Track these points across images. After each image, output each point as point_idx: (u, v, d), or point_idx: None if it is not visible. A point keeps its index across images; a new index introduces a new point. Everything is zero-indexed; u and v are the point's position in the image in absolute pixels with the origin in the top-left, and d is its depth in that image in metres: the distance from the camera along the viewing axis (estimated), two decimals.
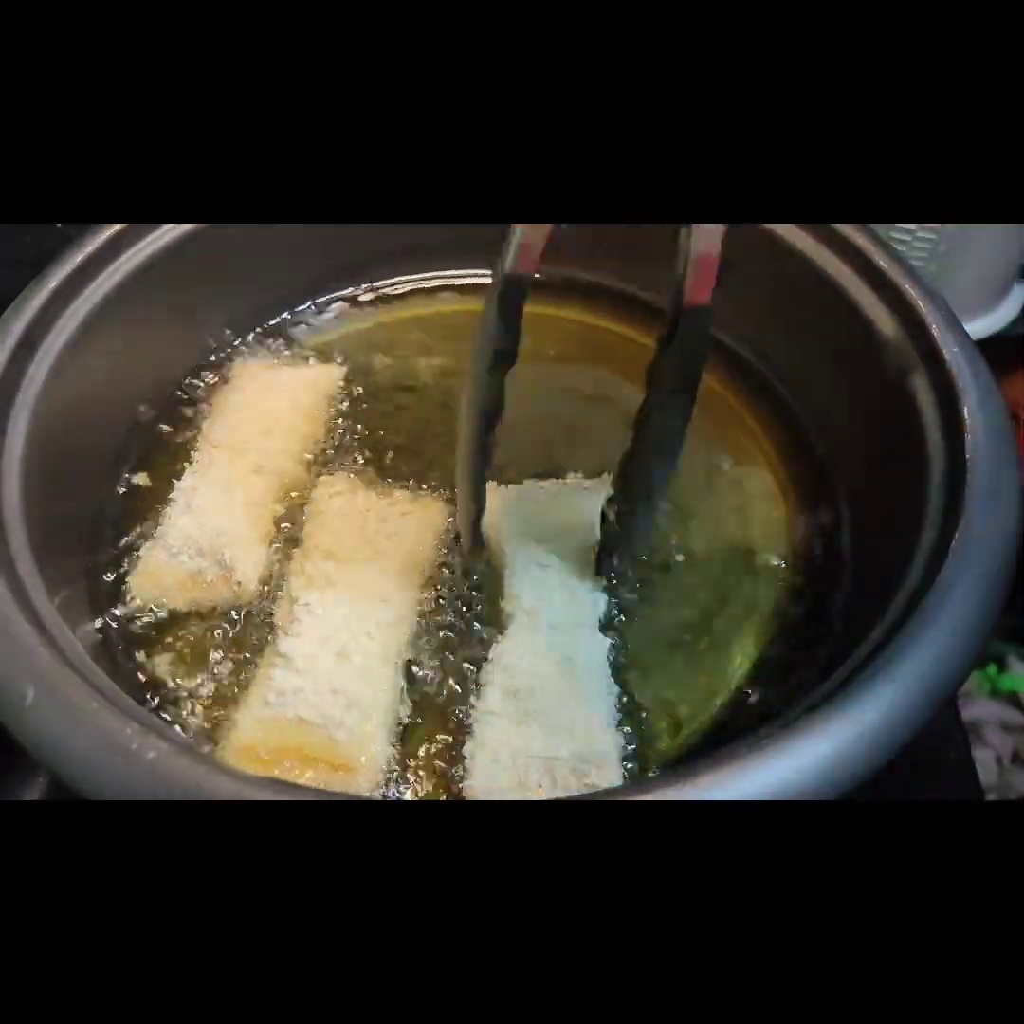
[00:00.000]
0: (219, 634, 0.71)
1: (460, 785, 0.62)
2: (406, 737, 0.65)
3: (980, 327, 1.05)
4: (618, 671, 0.68)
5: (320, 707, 0.64)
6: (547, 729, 0.62)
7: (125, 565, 0.74)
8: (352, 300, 0.94)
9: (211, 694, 0.68)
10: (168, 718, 0.66)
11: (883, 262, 0.74)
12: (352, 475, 0.80)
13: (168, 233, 0.81)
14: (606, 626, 0.70)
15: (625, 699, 0.66)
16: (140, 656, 0.70)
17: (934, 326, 0.69)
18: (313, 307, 0.93)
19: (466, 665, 0.68)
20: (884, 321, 0.72)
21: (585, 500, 0.75)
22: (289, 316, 0.92)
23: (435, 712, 0.67)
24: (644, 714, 0.66)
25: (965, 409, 0.64)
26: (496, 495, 0.77)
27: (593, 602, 0.70)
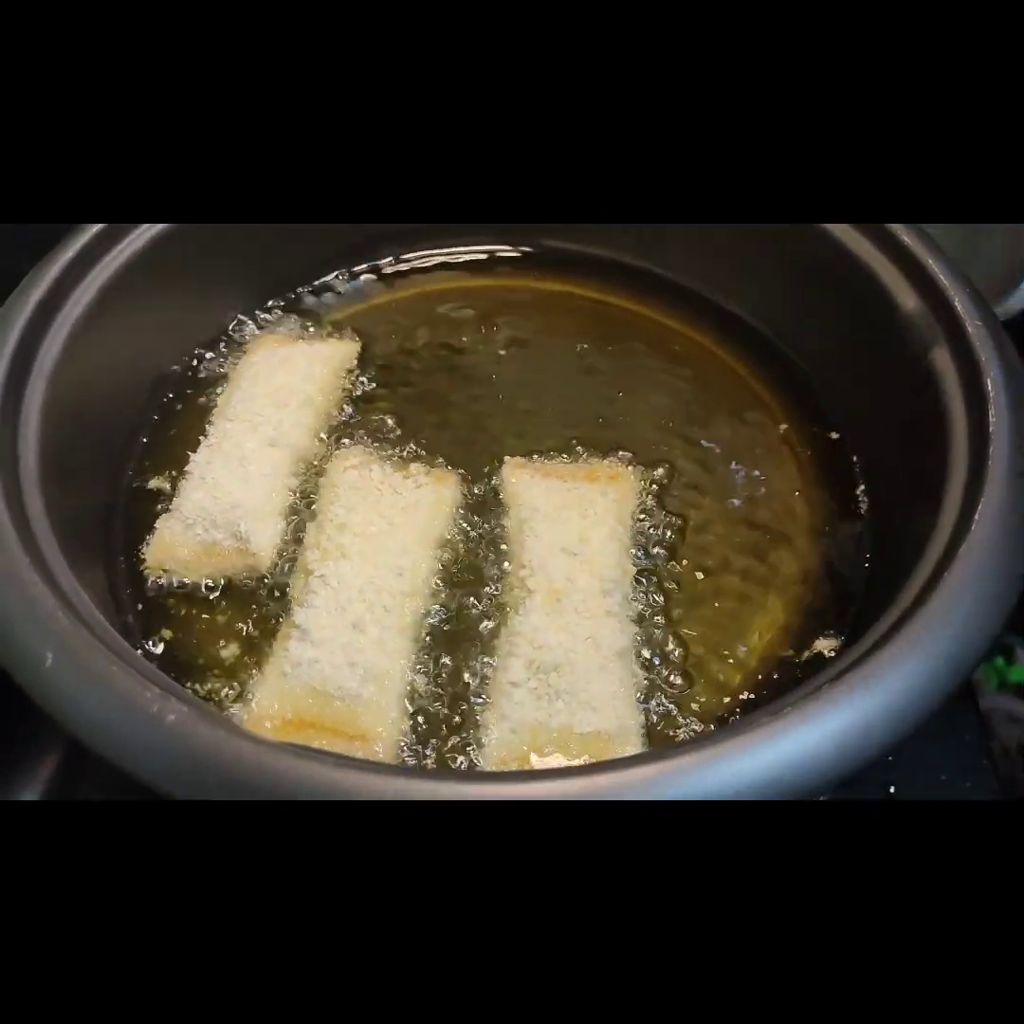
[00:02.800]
0: (235, 605, 0.71)
1: (476, 754, 0.62)
2: (422, 708, 0.65)
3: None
4: (641, 655, 0.67)
5: (337, 678, 0.64)
6: (571, 704, 0.62)
7: (140, 536, 0.73)
8: (366, 276, 0.93)
9: (227, 664, 0.68)
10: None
11: (906, 238, 0.73)
12: (366, 448, 0.80)
13: None
14: (633, 617, 0.69)
15: (648, 682, 0.66)
16: (154, 626, 0.70)
17: (957, 301, 0.68)
18: (327, 283, 0.93)
19: (482, 636, 0.68)
20: (906, 296, 0.72)
21: (617, 488, 0.74)
22: (303, 292, 0.92)
23: (451, 682, 0.67)
24: (666, 696, 0.66)
25: (988, 383, 0.64)
26: (525, 470, 0.76)
27: (621, 594, 0.69)
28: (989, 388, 0.64)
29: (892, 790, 0.72)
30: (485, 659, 0.67)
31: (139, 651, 0.61)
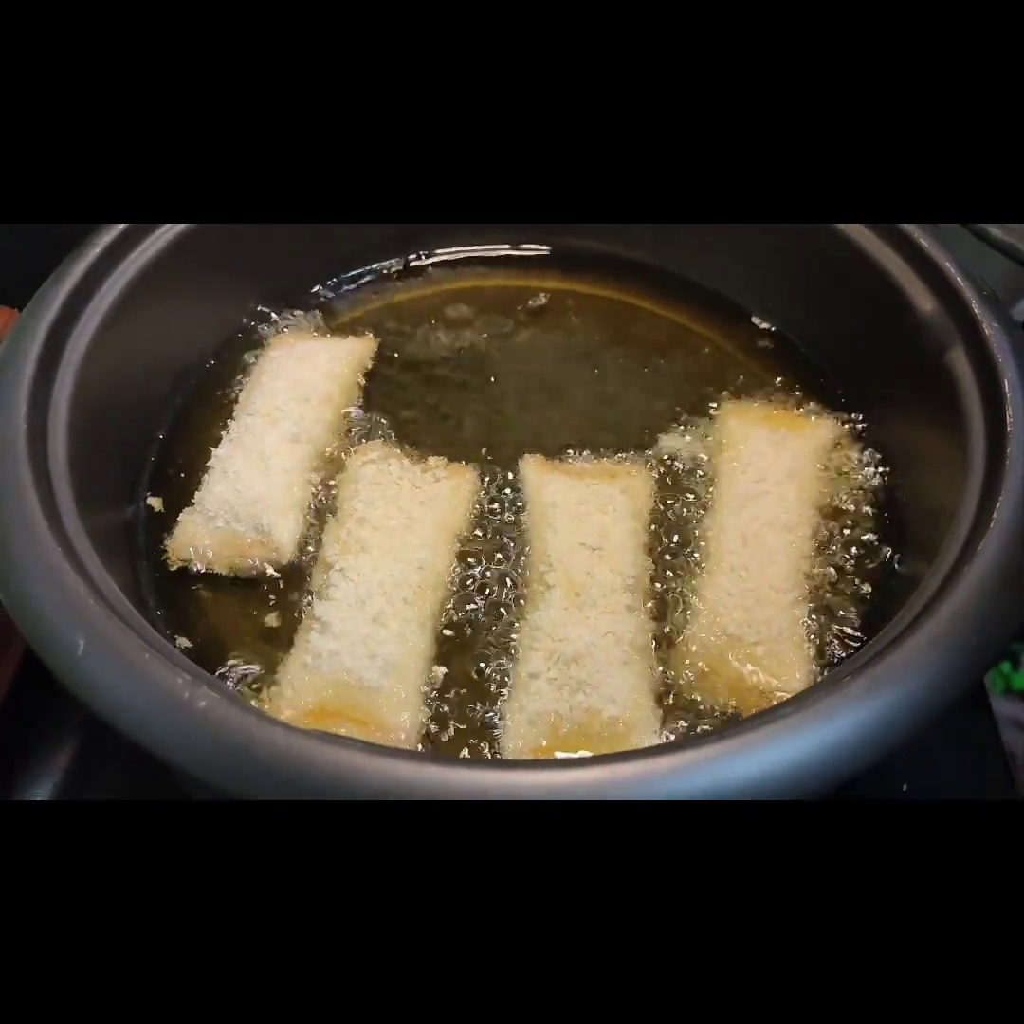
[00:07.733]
0: (255, 597, 0.72)
1: (495, 746, 0.63)
2: (441, 700, 0.66)
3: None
4: (660, 650, 0.68)
5: (357, 670, 0.65)
6: (591, 696, 0.62)
7: (163, 528, 0.74)
8: (385, 273, 0.94)
9: (248, 655, 0.69)
10: None
11: (923, 240, 0.74)
12: (386, 443, 0.81)
13: None
14: (653, 612, 0.70)
15: (668, 676, 0.67)
16: (176, 617, 0.71)
17: (973, 302, 0.69)
18: (348, 279, 0.94)
19: (501, 630, 0.69)
20: (924, 299, 0.73)
21: (636, 486, 0.75)
22: (322, 289, 0.93)
23: (470, 675, 0.67)
24: (686, 689, 0.66)
25: (1006, 384, 0.64)
26: (544, 466, 0.77)
27: (641, 589, 0.70)
28: (1006, 389, 0.64)
29: (905, 788, 0.73)
30: (504, 652, 0.68)
31: None
